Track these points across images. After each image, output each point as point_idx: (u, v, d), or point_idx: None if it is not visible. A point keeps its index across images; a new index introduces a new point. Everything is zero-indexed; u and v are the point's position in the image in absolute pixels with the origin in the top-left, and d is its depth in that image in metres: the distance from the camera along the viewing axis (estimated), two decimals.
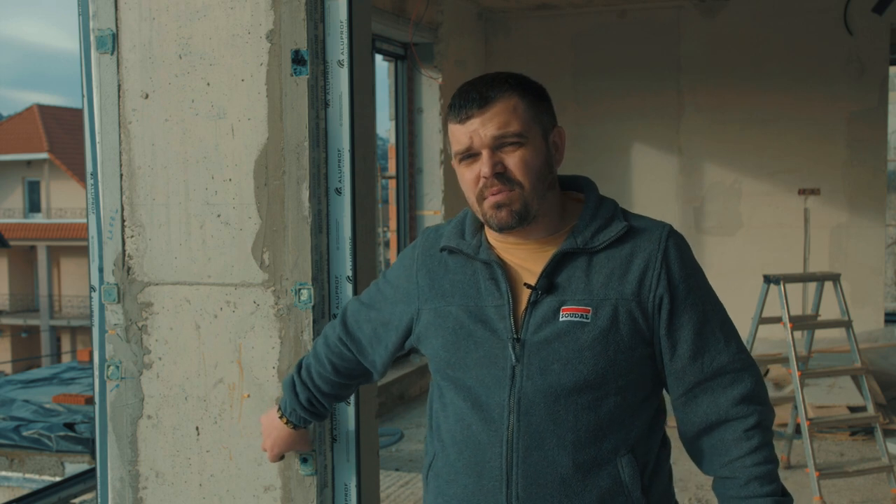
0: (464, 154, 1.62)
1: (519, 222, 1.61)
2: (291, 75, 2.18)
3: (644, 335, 1.61)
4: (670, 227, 1.67)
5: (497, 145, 1.59)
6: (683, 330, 1.62)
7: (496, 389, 1.62)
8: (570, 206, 1.70)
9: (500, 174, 1.59)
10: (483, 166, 1.59)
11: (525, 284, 1.64)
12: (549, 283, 1.62)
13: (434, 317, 1.71)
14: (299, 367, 2.01)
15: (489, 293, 1.65)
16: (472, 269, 1.69)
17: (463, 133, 1.61)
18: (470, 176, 1.62)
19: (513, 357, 1.61)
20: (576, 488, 1.58)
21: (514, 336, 1.61)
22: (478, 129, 1.59)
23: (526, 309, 1.62)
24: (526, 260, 1.66)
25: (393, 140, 7.57)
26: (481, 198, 1.62)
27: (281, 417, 2.04)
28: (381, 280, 1.89)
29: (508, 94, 1.60)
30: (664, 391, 1.70)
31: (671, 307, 1.61)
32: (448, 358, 1.67)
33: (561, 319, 1.59)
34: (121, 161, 2.34)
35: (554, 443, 1.58)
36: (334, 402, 2.05)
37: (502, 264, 1.66)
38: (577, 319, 1.58)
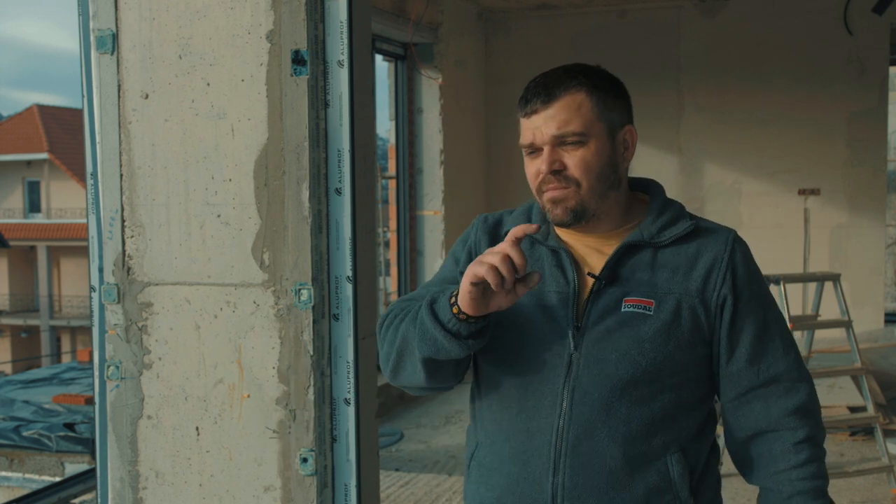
0: (528, 149, 1.64)
1: (575, 220, 1.61)
2: (291, 75, 2.18)
3: (704, 334, 1.61)
4: (735, 232, 1.68)
5: (558, 143, 1.59)
6: (744, 333, 1.61)
7: (551, 376, 1.61)
8: (636, 206, 1.70)
9: (558, 171, 1.60)
10: (542, 163, 1.60)
11: (589, 274, 1.64)
12: (612, 273, 1.62)
13: None
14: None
15: (553, 279, 1.65)
16: (537, 254, 1.69)
17: (527, 128, 1.62)
18: (532, 170, 1.64)
19: (571, 345, 1.60)
20: (623, 481, 1.57)
21: (575, 324, 1.61)
22: (540, 126, 1.60)
23: (588, 298, 1.62)
24: (589, 252, 1.66)
25: (393, 140, 7.57)
26: (540, 191, 1.63)
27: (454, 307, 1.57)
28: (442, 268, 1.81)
29: (575, 90, 1.60)
30: (716, 397, 1.69)
31: (734, 309, 1.60)
32: (503, 340, 1.66)
33: (623, 310, 1.59)
34: (121, 161, 2.34)
35: (605, 434, 1.57)
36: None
37: (570, 253, 1.66)
38: (640, 311, 1.59)
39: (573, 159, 1.59)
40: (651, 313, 1.58)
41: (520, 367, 1.65)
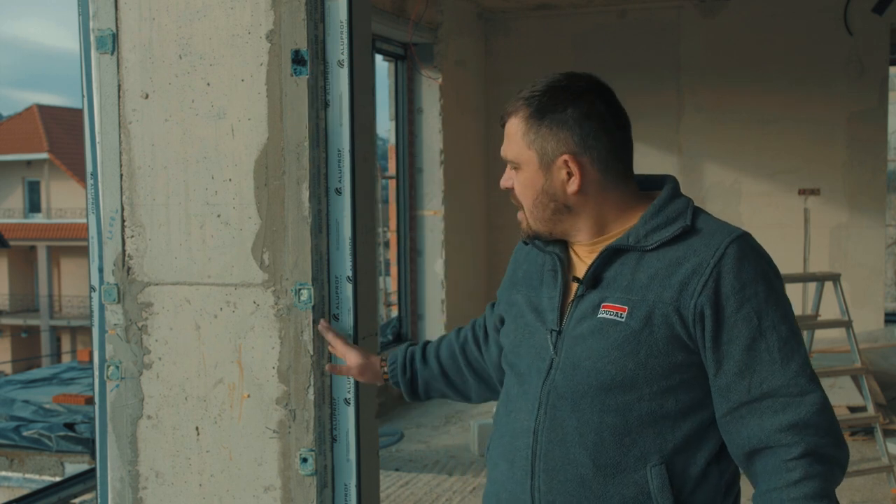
0: None
1: (531, 238, 1.68)
2: (291, 75, 2.18)
3: (683, 342, 1.52)
4: (741, 233, 1.56)
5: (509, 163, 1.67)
6: (731, 345, 1.50)
7: (534, 379, 1.63)
8: (640, 207, 1.64)
9: (511, 189, 1.67)
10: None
11: (573, 278, 1.64)
12: (594, 278, 1.60)
13: (507, 305, 1.78)
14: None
15: (547, 284, 1.68)
16: (541, 260, 1.73)
17: None
18: None
19: (551, 348, 1.61)
20: (596, 491, 1.54)
21: (557, 328, 1.62)
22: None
23: (571, 302, 1.62)
24: (588, 257, 1.65)
25: (393, 140, 7.56)
26: None
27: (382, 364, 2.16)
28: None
29: (514, 114, 1.63)
30: None
31: (716, 319, 1.50)
32: (510, 344, 1.72)
33: (598, 316, 1.57)
34: (121, 161, 2.34)
35: (576, 441, 1.56)
36: (443, 385, 2.08)
37: (564, 258, 1.67)
38: (612, 317, 1.55)
39: (516, 182, 1.65)
40: (623, 320, 1.54)
41: (517, 367, 1.69)
